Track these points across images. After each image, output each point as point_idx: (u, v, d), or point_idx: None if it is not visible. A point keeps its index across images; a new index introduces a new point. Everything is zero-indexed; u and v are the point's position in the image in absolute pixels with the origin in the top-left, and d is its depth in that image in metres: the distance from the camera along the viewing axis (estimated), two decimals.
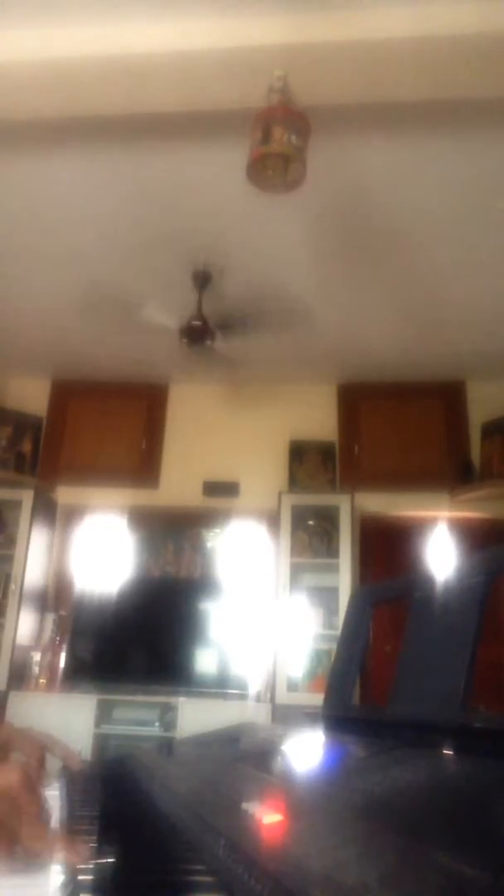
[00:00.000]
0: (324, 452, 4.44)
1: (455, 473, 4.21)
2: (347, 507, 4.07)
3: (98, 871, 0.49)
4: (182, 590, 4.27)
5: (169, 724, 3.78)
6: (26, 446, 4.52)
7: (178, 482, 4.44)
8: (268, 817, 0.49)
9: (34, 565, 4.12)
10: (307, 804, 0.55)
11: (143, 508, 4.42)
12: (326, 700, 1.14)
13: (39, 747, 0.60)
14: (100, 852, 0.54)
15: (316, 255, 3.29)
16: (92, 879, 0.47)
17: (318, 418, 4.50)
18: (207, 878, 0.46)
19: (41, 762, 0.59)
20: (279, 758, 0.85)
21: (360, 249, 3.24)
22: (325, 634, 3.93)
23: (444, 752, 0.65)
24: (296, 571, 4.06)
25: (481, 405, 4.36)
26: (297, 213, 2.96)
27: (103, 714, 3.81)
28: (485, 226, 3.02)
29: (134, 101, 2.32)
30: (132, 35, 2.17)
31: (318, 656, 3.93)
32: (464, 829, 0.39)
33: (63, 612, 4.22)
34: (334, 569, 4.00)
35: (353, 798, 0.54)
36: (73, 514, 4.48)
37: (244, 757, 0.94)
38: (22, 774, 0.55)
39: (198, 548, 4.46)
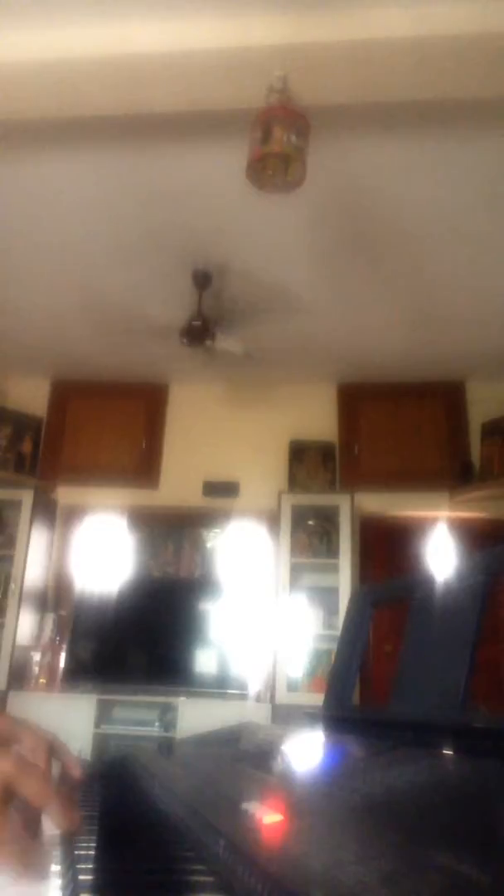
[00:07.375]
0: (324, 452, 4.44)
1: (455, 473, 4.21)
2: (347, 507, 4.07)
3: (98, 870, 0.49)
4: (182, 590, 4.27)
5: (169, 724, 3.78)
6: (26, 446, 4.52)
7: (178, 482, 4.44)
8: (268, 817, 0.49)
9: (34, 565, 4.13)
10: (307, 804, 0.55)
11: (143, 508, 4.42)
12: (326, 700, 1.14)
13: (44, 746, 0.56)
14: (96, 851, 0.54)
15: (316, 255, 3.29)
16: (92, 879, 0.47)
17: (318, 418, 4.50)
18: (207, 878, 0.46)
19: (44, 762, 0.56)
20: (279, 758, 0.85)
21: (360, 249, 3.24)
22: (325, 634, 3.92)
23: (444, 752, 0.65)
24: (296, 571, 4.06)
25: (481, 405, 4.36)
26: (296, 213, 2.96)
27: (103, 714, 3.81)
28: (485, 225, 3.02)
29: (134, 101, 2.32)
30: (132, 35, 2.17)
31: (318, 656, 3.93)
32: (464, 829, 0.39)
33: (63, 612, 4.22)
34: (334, 569, 4.00)
35: (353, 798, 0.54)
36: (73, 514, 4.48)
37: (244, 757, 0.94)
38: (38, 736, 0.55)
39: (198, 548, 4.46)
